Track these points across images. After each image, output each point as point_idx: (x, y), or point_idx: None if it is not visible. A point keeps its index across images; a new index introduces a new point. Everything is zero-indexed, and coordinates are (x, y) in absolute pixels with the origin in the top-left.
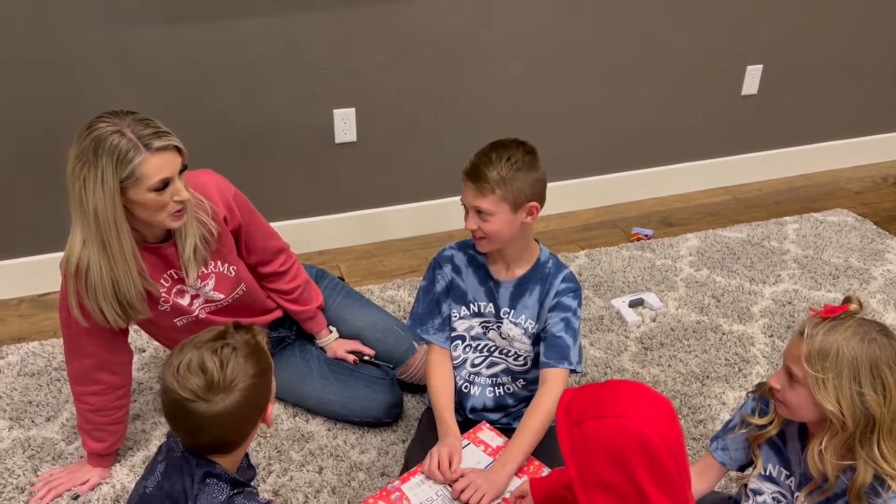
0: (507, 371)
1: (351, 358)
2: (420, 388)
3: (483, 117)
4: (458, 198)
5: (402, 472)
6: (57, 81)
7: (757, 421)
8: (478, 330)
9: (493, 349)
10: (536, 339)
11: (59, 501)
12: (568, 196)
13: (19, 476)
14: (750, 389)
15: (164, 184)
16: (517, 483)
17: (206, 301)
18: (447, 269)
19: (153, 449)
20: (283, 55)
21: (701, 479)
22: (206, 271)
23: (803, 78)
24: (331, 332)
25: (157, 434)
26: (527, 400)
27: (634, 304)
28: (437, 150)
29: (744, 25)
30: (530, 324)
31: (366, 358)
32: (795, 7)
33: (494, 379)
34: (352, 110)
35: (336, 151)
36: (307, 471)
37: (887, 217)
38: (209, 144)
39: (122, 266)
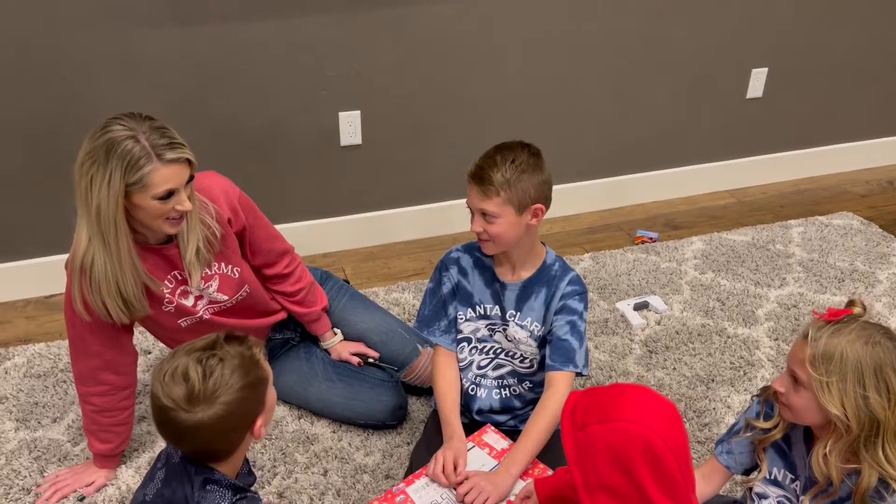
0: (513, 373)
1: (355, 360)
2: (425, 391)
3: (488, 120)
4: (463, 200)
5: (406, 475)
6: (64, 83)
7: (762, 424)
8: (484, 332)
9: (498, 351)
10: (542, 342)
11: (64, 502)
12: (573, 199)
13: (25, 477)
14: (755, 393)
15: (169, 193)
16: (521, 486)
17: (211, 302)
18: (453, 271)
19: (157, 451)
20: (289, 58)
21: (706, 483)
22: (209, 273)
23: (808, 81)
24: (335, 334)
25: (161, 436)
26: (533, 402)
27: (639, 307)
28: (441, 152)
29: (749, 29)
30: (536, 326)
31: (370, 360)
32: (800, 10)
33: (500, 381)
34: (357, 113)
35: (341, 154)
36: (312, 473)
37: (893, 220)
38: (215, 146)
39: (120, 265)
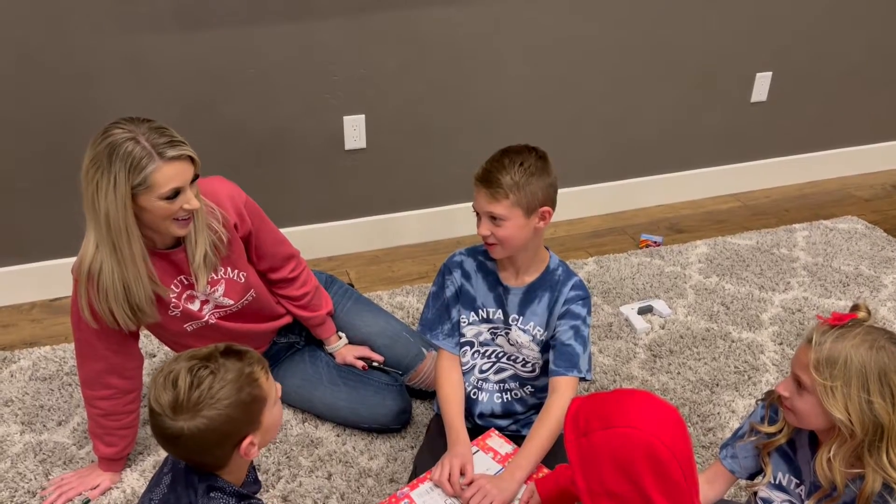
0: (514, 377)
1: (360, 364)
2: (429, 395)
3: (493, 124)
4: (467, 204)
5: (410, 479)
6: (71, 87)
7: (766, 429)
8: (486, 336)
9: (501, 355)
10: (545, 347)
11: None
12: (577, 202)
13: (31, 480)
14: (759, 397)
15: (175, 192)
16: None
17: (216, 307)
18: (457, 274)
19: (163, 454)
20: (295, 62)
21: (710, 487)
22: (216, 277)
23: (813, 85)
24: (340, 338)
25: None
26: (535, 407)
27: (643, 312)
28: (446, 156)
29: (753, 32)
30: (539, 331)
31: (375, 364)
32: (804, 14)
33: (502, 385)
34: (361, 117)
35: (346, 158)
36: (316, 477)
37: None
38: (221, 150)
39: (133, 270)
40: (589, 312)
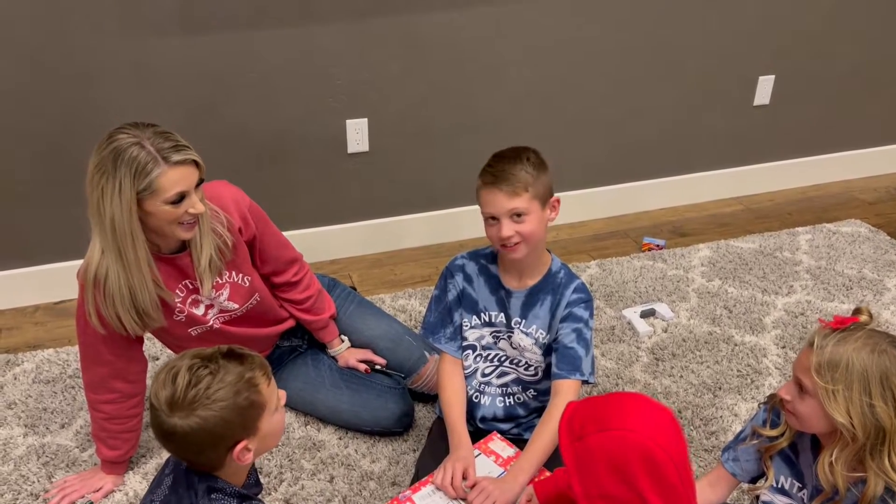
0: (517, 381)
1: (362, 367)
2: (431, 398)
3: (494, 127)
4: (470, 207)
5: (412, 482)
6: (75, 91)
7: (768, 432)
8: (488, 339)
9: (503, 359)
10: (548, 350)
11: None
12: (579, 206)
13: (34, 482)
14: (762, 401)
15: (181, 197)
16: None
17: (221, 311)
18: (459, 278)
19: (165, 457)
20: (298, 66)
21: (712, 491)
22: (220, 281)
23: (815, 88)
24: (342, 341)
25: None
26: (538, 410)
27: (646, 315)
28: (448, 159)
29: (756, 36)
30: (541, 334)
31: (377, 367)
32: (807, 17)
33: (504, 389)
34: (364, 120)
35: (349, 161)
36: (318, 479)
37: None
38: (224, 154)
39: (138, 275)
40: (591, 315)
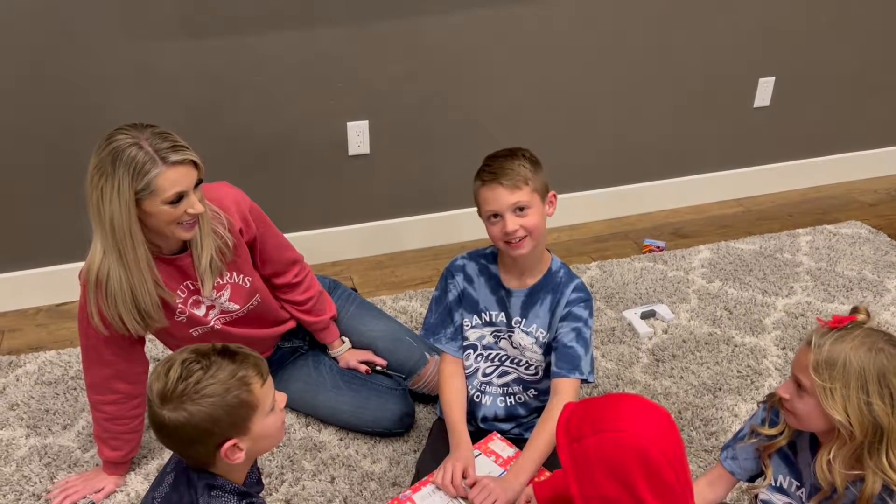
0: (518, 381)
1: (363, 368)
2: (432, 399)
3: (495, 130)
4: (470, 209)
5: (413, 482)
6: (77, 93)
7: (767, 431)
8: (489, 339)
9: (504, 358)
10: (548, 349)
11: None
12: (580, 208)
13: (36, 483)
14: (760, 400)
15: (179, 197)
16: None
17: (222, 312)
18: (459, 278)
19: (167, 457)
20: (299, 69)
21: (711, 490)
22: (221, 282)
23: (816, 90)
24: (343, 342)
25: None
26: (538, 410)
27: (646, 316)
28: (448, 161)
29: (756, 38)
30: (541, 333)
31: (378, 368)
32: (807, 19)
33: (505, 388)
34: (365, 123)
35: (349, 163)
36: (319, 480)
37: None
38: (226, 156)
39: (138, 275)
40: (591, 314)
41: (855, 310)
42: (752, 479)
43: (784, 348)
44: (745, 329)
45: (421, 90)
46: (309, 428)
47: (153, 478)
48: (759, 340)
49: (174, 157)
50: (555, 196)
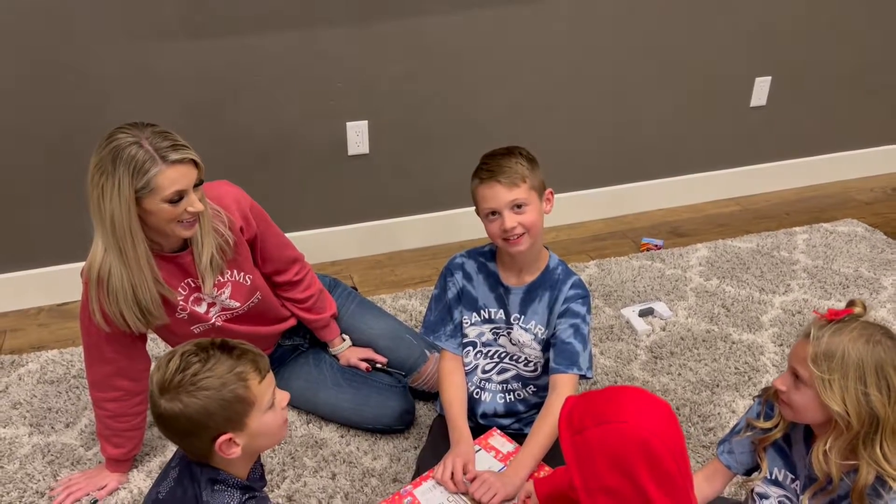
0: (517, 377)
1: (364, 366)
2: (432, 396)
3: (494, 129)
4: (469, 209)
5: (413, 479)
6: (78, 93)
7: (762, 424)
8: (488, 336)
9: (503, 355)
10: (546, 346)
11: None
12: (578, 207)
13: (39, 481)
14: (756, 394)
15: (179, 196)
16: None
17: (223, 309)
18: (458, 276)
19: (169, 455)
20: (299, 69)
21: (709, 484)
22: (222, 280)
23: (812, 89)
24: (344, 340)
25: None
26: (537, 406)
27: (644, 314)
28: (447, 161)
29: (752, 37)
30: (540, 329)
31: (378, 366)
32: (803, 19)
33: (505, 385)
34: (364, 123)
35: (349, 163)
36: (320, 477)
37: None
38: (226, 155)
39: (138, 273)
40: (589, 311)
41: (851, 303)
42: (748, 473)
43: (781, 345)
44: (743, 326)
45: (420, 90)
46: (310, 425)
47: (155, 475)
48: (757, 337)
49: (174, 155)
50: (552, 193)
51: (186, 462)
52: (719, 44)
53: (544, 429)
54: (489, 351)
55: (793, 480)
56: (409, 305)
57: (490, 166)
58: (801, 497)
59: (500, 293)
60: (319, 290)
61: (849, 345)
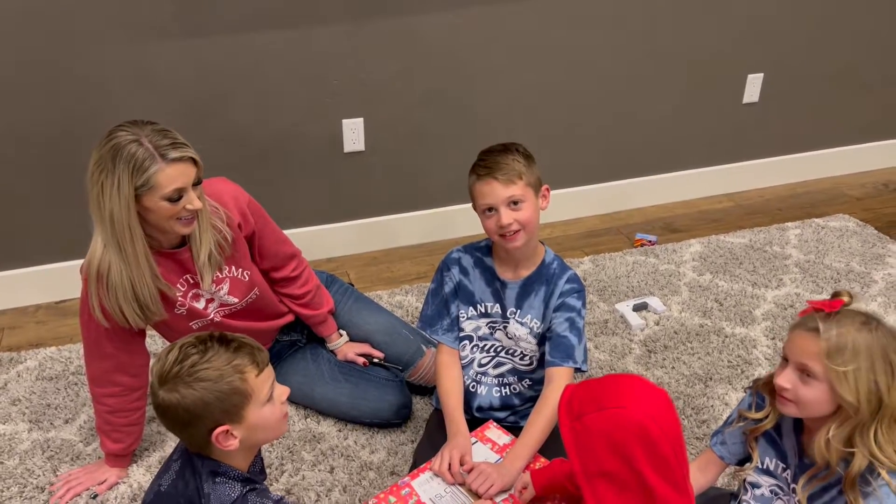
0: (513, 371)
1: (361, 360)
2: (428, 390)
3: (489, 126)
4: (464, 206)
5: (410, 472)
6: (77, 92)
7: (753, 415)
8: (485, 330)
9: (499, 349)
10: (542, 339)
11: (77, 501)
12: (573, 203)
13: (39, 476)
14: (747, 385)
15: (178, 194)
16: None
17: (221, 305)
18: (455, 270)
19: (169, 450)
20: (295, 67)
21: (702, 474)
22: (220, 276)
23: (804, 86)
24: (341, 335)
25: (173, 435)
26: (533, 399)
27: (638, 308)
28: (443, 159)
29: (745, 34)
30: (536, 323)
31: (375, 360)
32: (795, 16)
33: (501, 379)
34: (360, 120)
35: (345, 160)
36: (319, 470)
37: (888, 222)
38: (223, 153)
39: (137, 269)
40: (584, 305)
41: (837, 293)
42: (740, 463)
43: (773, 338)
44: (736, 320)
45: (416, 88)
46: (308, 420)
47: (155, 469)
48: (749, 331)
49: (173, 154)
50: (548, 190)
51: (188, 455)
52: (712, 41)
53: (540, 421)
54: (485, 345)
55: (783, 469)
56: (406, 301)
57: (487, 163)
58: (792, 485)
59: (497, 288)
60: (317, 285)
61: (856, 335)
